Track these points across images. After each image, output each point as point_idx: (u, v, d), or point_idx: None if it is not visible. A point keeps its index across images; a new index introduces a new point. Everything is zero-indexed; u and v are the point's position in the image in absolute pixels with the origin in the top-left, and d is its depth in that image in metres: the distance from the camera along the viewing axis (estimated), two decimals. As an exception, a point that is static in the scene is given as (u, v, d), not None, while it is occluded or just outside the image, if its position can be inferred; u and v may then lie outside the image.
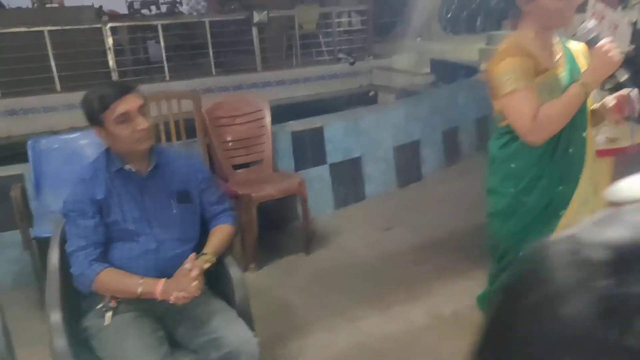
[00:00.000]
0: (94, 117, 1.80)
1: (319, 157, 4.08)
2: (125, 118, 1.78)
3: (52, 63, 7.04)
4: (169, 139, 3.43)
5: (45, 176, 3.04)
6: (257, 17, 7.98)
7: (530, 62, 1.75)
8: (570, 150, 1.81)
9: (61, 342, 1.68)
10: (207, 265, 1.83)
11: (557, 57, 1.83)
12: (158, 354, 1.71)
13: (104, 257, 1.83)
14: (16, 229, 2.88)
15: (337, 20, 8.95)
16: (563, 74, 1.81)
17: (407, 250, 3.52)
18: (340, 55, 8.93)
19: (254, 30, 8.09)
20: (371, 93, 8.68)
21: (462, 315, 2.79)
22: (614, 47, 1.66)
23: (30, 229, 2.81)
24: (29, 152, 3.06)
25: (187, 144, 3.49)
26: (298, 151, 3.98)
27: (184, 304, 1.76)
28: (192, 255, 1.84)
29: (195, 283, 1.76)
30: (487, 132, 5.70)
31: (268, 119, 3.59)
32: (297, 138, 3.97)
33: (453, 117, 5.12)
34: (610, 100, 1.81)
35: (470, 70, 7.00)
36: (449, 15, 13.22)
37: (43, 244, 2.87)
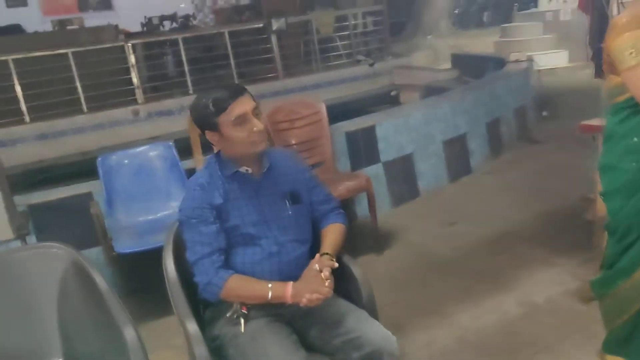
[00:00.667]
0: (209, 120, 1.76)
1: (372, 156, 4.05)
2: (242, 120, 1.74)
3: (78, 84, 7.05)
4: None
5: (116, 192, 3.02)
6: (275, 24, 7.99)
7: (651, 35, 1.71)
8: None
9: (202, 350, 1.64)
10: (335, 265, 1.78)
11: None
12: (299, 357, 1.66)
13: (227, 264, 1.79)
14: (96, 245, 2.84)
15: (353, 22, 8.95)
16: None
17: (479, 243, 3.47)
18: (359, 57, 8.93)
19: (273, 38, 8.09)
20: (393, 92, 8.66)
21: (557, 302, 2.74)
22: None
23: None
24: (99, 169, 3.03)
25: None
26: (353, 151, 3.95)
27: (314, 306, 1.71)
28: (318, 255, 1.80)
29: (328, 282, 1.71)
30: (526, 121, 5.68)
31: (326, 119, 3.56)
32: (351, 138, 3.93)
33: (494, 108, 5.09)
34: None
35: (493, 61, 6.99)
36: (457, 12, 13.25)
37: (123, 260, 2.85)
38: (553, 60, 8.60)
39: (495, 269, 3.12)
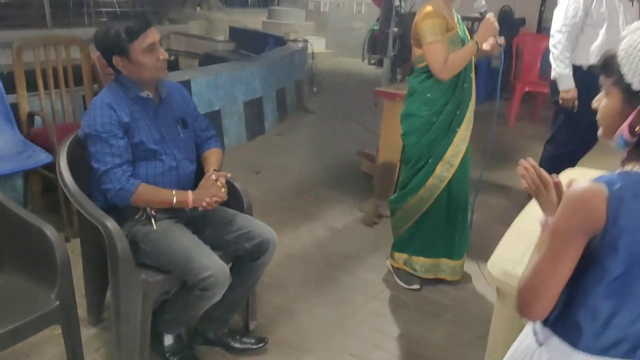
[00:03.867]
0: (120, 46, 1.97)
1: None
2: (151, 48, 2.01)
3: None
4: (56, 85, 3.35)
5: None
6: (46, -32, 7.36)
7: (443, 22, 2.52)
8: (465, 85, 2.66)
9: (125, 244, 1.88)
10: (229, 175, 2.18)
11: (455, 20, 2.65)
12: (204, 246, 2.02)
13: (132, 175, 2.04)
14: None
15: (131, -20, 8.74)
16: (459, 32, 2.63)
17: (284, 187, 4.13)
18: (138, 14, 8.75)
19: (43, -17, 7.44)
20: (171, 57, 8.76)
21: (351, 226, 3.57)
22: (495, 20, 2.54)
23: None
24: None
25: (75, 92, 3.46)
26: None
27: (206, 210, 2.09)
28: (212, 169, 2.18)
29: (224, 189, 2.12)
30: (302, 93, 6.55)
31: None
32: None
33: (281, 79, 5.79)
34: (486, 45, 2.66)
35: (273, 38, 7.70)
36: (223, -12, 13.71)
37: None
38: (314, 45, 9.77)
39: (302, 205, 3.82)
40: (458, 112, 2.67)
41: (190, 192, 2.09)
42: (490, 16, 2.56)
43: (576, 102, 3.25)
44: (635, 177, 1.04)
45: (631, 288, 1.05)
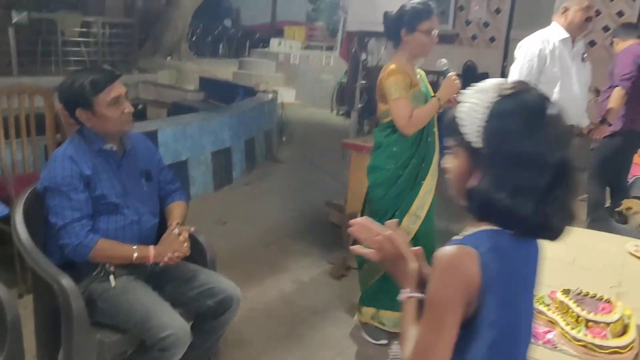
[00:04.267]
0: (84, 99, 1.95)
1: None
2: (116, 101, 1.99)
3: None
4: (18, 135, 3.28)
5: None
6: (15, 17, 7.35)
7: (407, 79, 2.58)
8: (429, 139, 2.70)
9: (80, 303, 1.80)
10: (192, 229, 2.14)
11: (418, 76, 2.72)
12: (165, 305, 1.95)
13: (92, 229, 1.97)
14: None
15: (101, 30, 8.77)
16: (422, 88, 2.70)
17: (251, 238, 4.06)
18: (104, 67, 8.75)
19: (11, 31, 7.41)
20: (139, 106, 8.75)
21: (318, 279, 3.52)
22: (457, 79, 2.62)
23: None
24: None
25: (37, 141, 3.39)
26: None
27: (168, 265, 2.04)
28: (175, 222, 2.13)
29: (186, 244, 2.07)
30: (272, 143, 6.59)
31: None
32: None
33: (251, 129, 5.82)
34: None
35: (243, 89, 7.78)
36: (194, 39, 13.91)
37: None
38: (284, 96, 9.94)
39: (269, 257, 3.76)
40: (423, 165, 2.71)
41: (152, 247, 2.03)
42: (452, 75, 2.63)
43: None
44: (496, 236, 1.04)
45: (513, 349, 1.04)
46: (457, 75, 2.64)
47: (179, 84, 10.20)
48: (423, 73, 2.83)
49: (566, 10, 3.26)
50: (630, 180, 4.63)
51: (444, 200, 2.97)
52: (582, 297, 1.54)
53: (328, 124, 8.93)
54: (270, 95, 7.06)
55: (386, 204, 2.72)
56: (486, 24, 8.19)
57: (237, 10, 15.99)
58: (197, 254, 2.24)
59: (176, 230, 2.09)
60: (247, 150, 5.67)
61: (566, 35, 3.28)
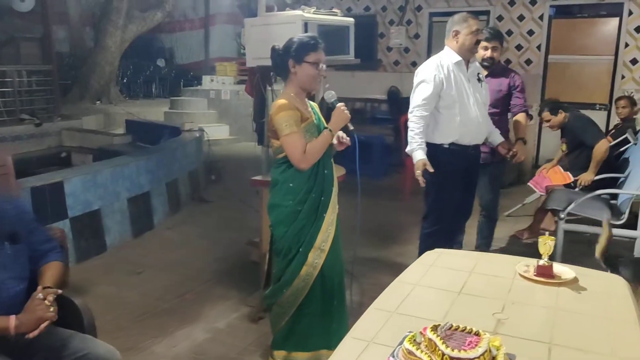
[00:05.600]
0: None
1: (59, 212, 4.07)
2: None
3: None
4: None
5: None
6: None
7: (297, 113, 2.53)
8: (326, 171, 2.64)
9: None
10: (59, 292, 1.97)
11: (309, 109, 2.67)
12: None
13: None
14: None
15: (17, 79, 8.44)
16: (314, 120, 2.65)
17: (166, 287, 3.88)
18: (23, 116, 8.44)
19: None
20: (63, 154, 8.44)
21: (234, 325, 3.37)
22: (346, 108, 2.59)
23: None
24: None
25: None
26: (39, 206, 3.91)
27: (34, 335, 1.87)
28: (40, 287, 1.96)
29: (53, 308, 1.90)
30: (198, 183, 6.43)
31: (13, 173, 3.49)
32: (37, 193, 3.90)
33: (173, 170, 5.66)
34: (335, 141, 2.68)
35: (168, 129, 7.63)
36: (125, 80, 13.65)
37: None
38: (217, 132, 9.81)
39: (183, 306, 3.58)
40: (322, 198, 2.64)
41: (13, 317, 1.85)
42: (341, 105, 2.60)
43: (422, 175, 3.24)
44: None
45: None
46: (345, 105, 2.62)
47: (108, 129, 9.92)
48: (315, 105, 2.79)
49: (457, 34, 3.33)
50: (542, 194, 4.74)
51: (349, 231, 2.93)
52: (451, 332, 1.48)
53: (259, 158, 8.83)
54: (196, 134, 6.94)
55: (289, 241, 2.63)
56: (407, 50, 8.38)
57: (170, 50, 15.81)
58: (72, 318, 2.07)
59: (40, 295, 1.92)
60: (170, 193, 5.50)
61: (459, 58, 3.34)
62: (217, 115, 10.74)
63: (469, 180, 3.57)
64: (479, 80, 3.49)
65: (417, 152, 3.29)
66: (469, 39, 3.31)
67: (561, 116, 4.64)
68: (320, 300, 2.71)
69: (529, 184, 5.03)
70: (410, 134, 3.32)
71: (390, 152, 7.31)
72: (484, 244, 4.07)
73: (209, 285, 3.93)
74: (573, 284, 2.02)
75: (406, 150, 3.36)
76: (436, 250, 2.49)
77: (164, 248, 4.71)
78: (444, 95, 3.30)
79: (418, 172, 3.23)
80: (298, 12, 3.22)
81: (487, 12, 7.79)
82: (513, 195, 6.01)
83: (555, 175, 4.75)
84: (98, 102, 11.79)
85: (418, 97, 3.33)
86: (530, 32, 7.55)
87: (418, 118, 3.30)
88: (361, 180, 2.71)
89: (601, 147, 4.39)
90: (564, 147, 4.80)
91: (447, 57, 3.35)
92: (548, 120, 4.68)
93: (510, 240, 4.82)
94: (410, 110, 3.34)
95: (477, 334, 1.47)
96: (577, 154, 4.64)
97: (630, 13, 6.89)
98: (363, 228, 3.00)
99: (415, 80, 3.39)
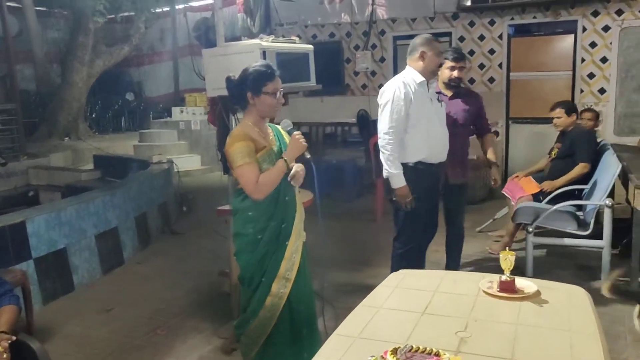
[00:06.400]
0: None
1: (22, 253, 3.97)
2: None
3: None
4: None
5: None
6: None
7: (252, 144, 2.51)
8: (287, 198, 2.63)
9: None
10: (11, 340, 1.91)
11: (270, 136, 2.66)
12: None
13: None
14: None
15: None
16: (276, 147, 2.64)
17: (136, 323, 3.79)
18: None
19: None
20: (31, 193, 8.29)
21: (206, 357, 3.30)
22: (302, 137, 2.60)
23: None
24: None
25: None
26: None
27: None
28: (-5, 332, 1.90)
29: (6, 355, 1.84)
30: (169, 215, 6.35)
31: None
32: (-2, 235, 3.80)
33: (141, 204, 5.58)
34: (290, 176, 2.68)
35: (136, 162, 7.55)
36: (94, 115, 13.53)
37: None
38: (188, 163, 9.76)
39: (154, 342, 3.50)
40: (284, 225, 2.62)
41: (-37, 367, 1.79)
42: (297, 134, 2.61)
43: (409, 199, 3.36)
44: None
45: None
46: (303, 133, 2.63)
47: (77, 165, 9.81)
48: (280, 128, 2.77)
49: (424, 54, 3.37)
50: (512, 206, 4.80)
51: (319, 256, 2.93)
52: (411, 354, 1.47)
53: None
54: (164, 166, 6.88)
55: (252, 270, 2.60)
56: (373, 73, 8.50)
57: (139, 83, 15.76)
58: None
59: (-5, 341, 1.86)
60: (139, 227, 5.42)
61: (422, 78, 3.39)
62: (188, 146, 10.69)
63: (433, 197, 3.61)
64: (439, 100, 3.56)
65: (397, 177, 3.34)
66: (435, 61, 3.39)
67: (572, 119, 4.76)
68: (290, 330, 2.67)
69: (502, 191, 5.09)
70: (385, 155, 3.35)
71: (362, 174, 7.37)
72: (452, 262, 4.09)
73: (181, 318, 3.86)
74: (535, 297, 2.04)
75: (384, 174, 3.39)
76: (401, 271, 2.48)
77: (134, 283, 4.62)
78: (410, 114, 3.34)
79: (406, 202, 3.33)
80: (256, 41, 3.25)
81: (449, 34, 7.96)
82: (485, 210, 6.08)
83: (528, 185, 4.83)
84: (67, 138, 11.66)
85: (388, 117, 3.34)
86: (492, 51, 7.73)
87: (391, 139, 3.33)
88: (334, 204, 2.71)
89: (583, 169, 4.54)
90: (555, 152, 4.89)
91: (410, 77, 3.40)
92: (559, 118, 4.78)
93: (482, 256, 4.85)
94: (384, 130, 3.35)
95: (437, 354, 1.47)
96: (562, 163, 4.72)
97: (584, 29, 7.12)
98: (336, 252, 3.00)
99: (381, 100, 3.41)
